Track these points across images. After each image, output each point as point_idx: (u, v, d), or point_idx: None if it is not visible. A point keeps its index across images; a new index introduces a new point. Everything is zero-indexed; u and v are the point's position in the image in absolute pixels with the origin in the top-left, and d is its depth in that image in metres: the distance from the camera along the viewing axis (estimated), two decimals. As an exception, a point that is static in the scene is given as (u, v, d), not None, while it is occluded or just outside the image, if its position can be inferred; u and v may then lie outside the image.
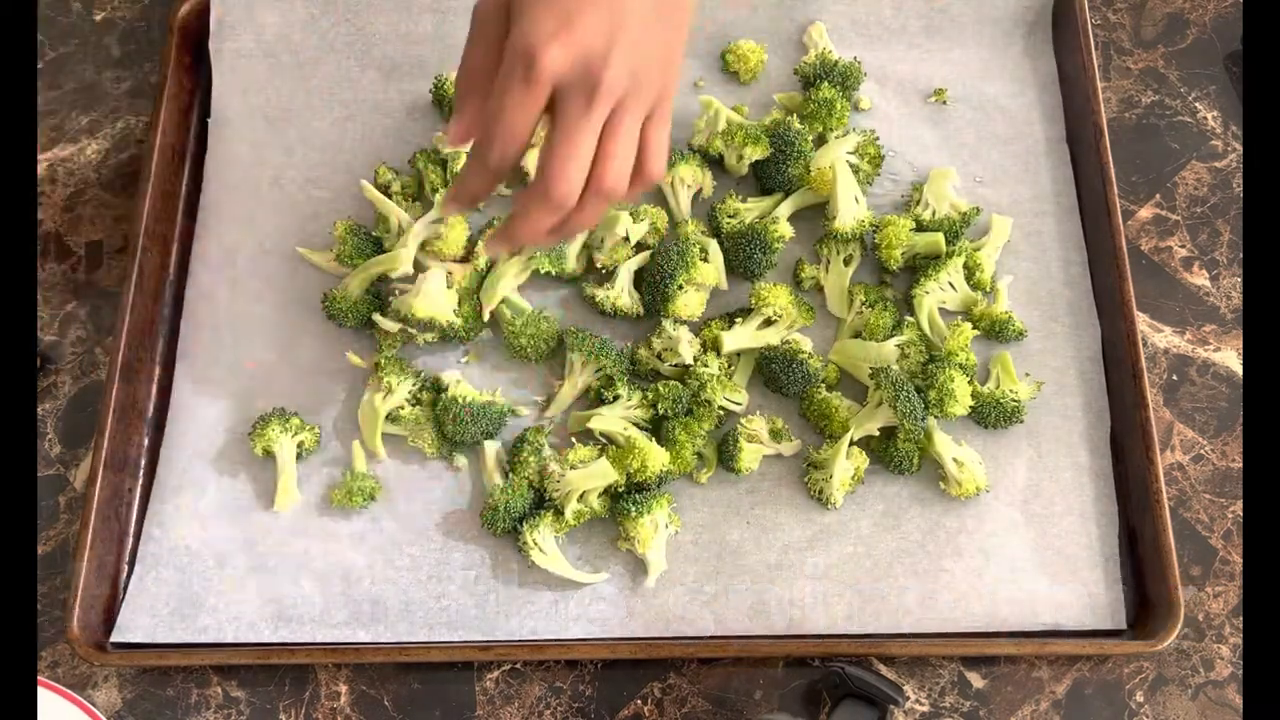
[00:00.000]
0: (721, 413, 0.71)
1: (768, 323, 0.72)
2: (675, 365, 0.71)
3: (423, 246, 0.74)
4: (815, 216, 0.76)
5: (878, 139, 0.77)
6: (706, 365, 0.71)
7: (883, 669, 0.66)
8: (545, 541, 0.66)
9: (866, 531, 0.68)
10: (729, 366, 0.72)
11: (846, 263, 0.74)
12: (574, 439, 0.71)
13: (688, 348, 0.71)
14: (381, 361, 0.71)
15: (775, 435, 0.70)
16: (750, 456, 0.69)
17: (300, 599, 0.67)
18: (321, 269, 0.76)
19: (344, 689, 0.67)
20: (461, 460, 0.71)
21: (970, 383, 0.69)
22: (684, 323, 0.72)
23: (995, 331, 0.72)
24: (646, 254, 0.74)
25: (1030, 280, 0.75)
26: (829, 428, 0.70)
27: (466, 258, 0.75)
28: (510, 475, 0.69)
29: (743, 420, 0.70)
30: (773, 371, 0.70)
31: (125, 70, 0.85)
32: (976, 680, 0.66)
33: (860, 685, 0.63)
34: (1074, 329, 0.73)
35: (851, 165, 0.75)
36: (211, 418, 0.72)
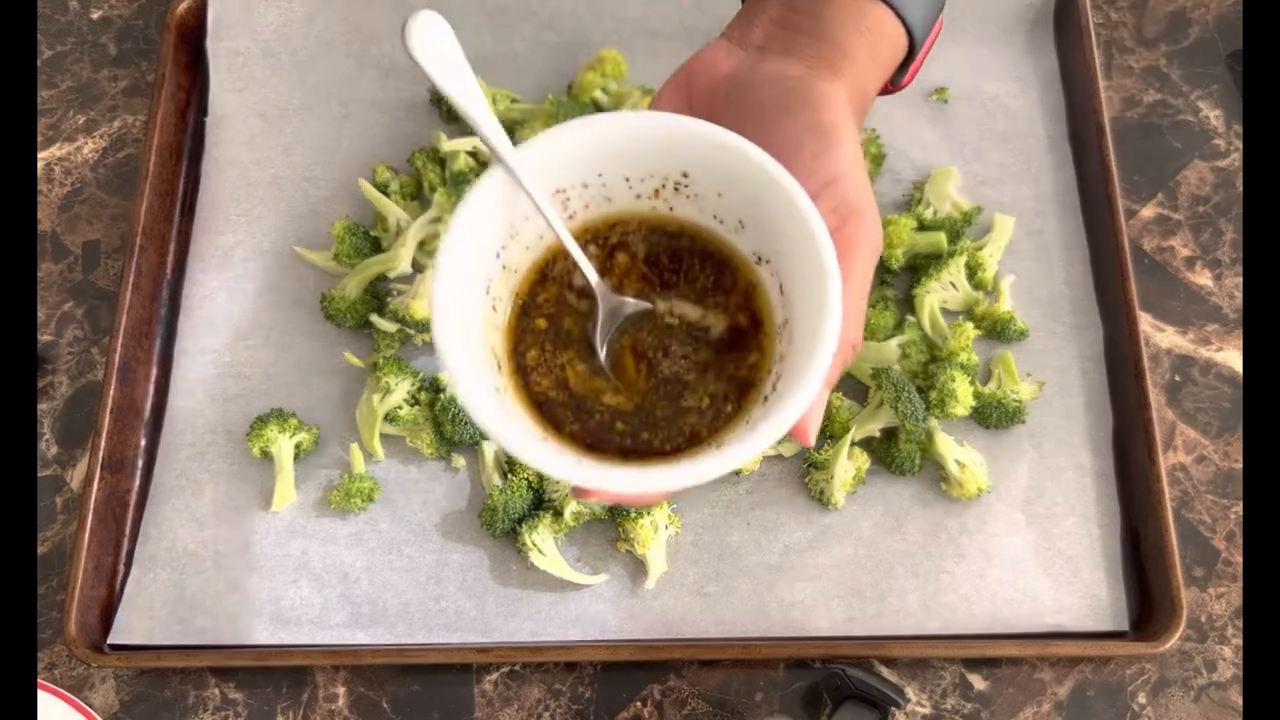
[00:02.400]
0: (722, 413, 0.70)
1: (768, 323, 0.72)
2: (675, 365, 0.71)
3: (421, 246, 0.74)
4: (816, 216, 0.76)
5: (879, 138, 0.76)
6: (706, 365, 0.70)
7: (884, 671, 0.66)
8: (544, 543, 0.66)
9: (868, 533, 0.68)
10: (729, 367, 0.71)
11: (847, 262, 0.74)
12: (573, 439, 0.71)
13: (688, 348, 0.70)
14: (380, 361, 0.71)
15: (776, 436, 0.69)
16: (750, 457, 0.68)
17: (298, 600, 0.67)
18: (320, 268, 0.76)
19: (342, 691, 0.66)
20: (460, 461, 0.70)
21: (972, 383, 0.69)
22: (684, 323, 0.72)
23: (997, 331, 0.72)
24: (646, 253, 0.73)
25: (1032, 280, 0.74)
26: (830, 428, 0.69)
27: (465, 257, 0.74)
28: (509, 476, 0.69)
29: (743, 421, 0.69)
30: (773, 372, 0.70)
31: (122, 69, 0.84)
32: (978, 682, 0.66)
33: (861, 687, 0.62)
34: (1076, 329, 0.73)
35: (852, 164, 0.75)
36: (209, 418, 0.72)
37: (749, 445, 0.43)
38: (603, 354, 0.50)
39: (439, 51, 0.47)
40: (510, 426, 0.44)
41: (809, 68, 0.51)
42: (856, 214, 0.48)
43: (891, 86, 0.56)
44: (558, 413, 0.50)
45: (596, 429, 0.49)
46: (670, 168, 0.49)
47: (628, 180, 0.50)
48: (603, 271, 0.51)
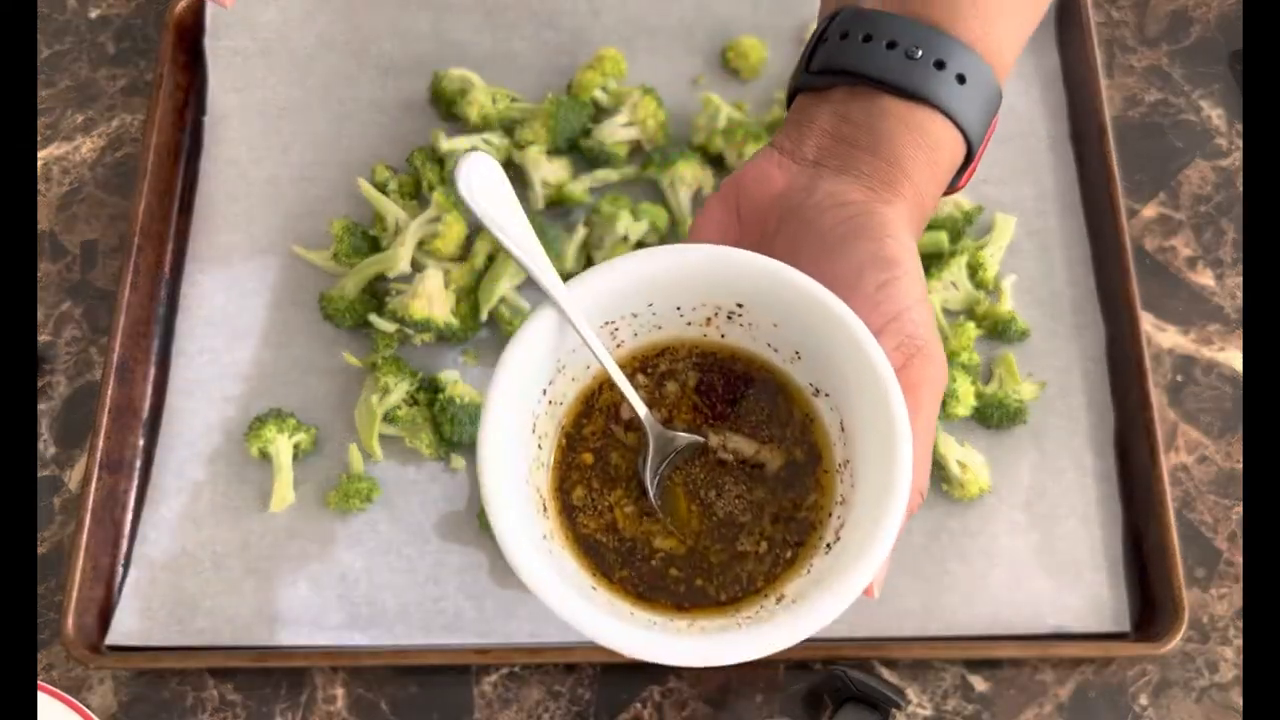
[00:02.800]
0: (722, 414, 0.70)
1: (768, 323, 0.71)
2: (675, 366, 0.70)
3: (420, 245, 0.73)
4: (816, 215, 0.76)
5: (879, 137, 0.76)
6: (707, 366, 0.70)
7: (885, 672, 0.66)
8: (544, 544, 0.66)
9: (868, 534, 0.67)
10: (729, 367, 0.71)
11: (848, 262, 0.73)
12: (573, 440, 0.70)
13: (688, 348, 0.70)
14: (378, 361, 0.70)
15: (776, 436, 0.69)
16: (751, 458, 0.68)
17: (296, 601, 0.67)
18: (318, 268, 0.75)
19: (341, 692, 0.66)
20: (459, 461, 0.70)
21: (973, 383, 0.69)
22: (684, 323, 0.72)
23: (998, 331, 0.71)
24: (646, 253, 0.73)
25: (1033, 279, 0.74)
26: (830, 429, 0.69)
27: (464, 257, 0.74)
28: (509, 476, 0.68)
29: (743, 421, 0.69)
30: (773, 372, 0.69)
31: (121, 68, 0.84)
32: (979, 684, 0.66)
33: (862, 689, 0.62)
34: (1077, 329, 0.73)
35: (853, 163, 0.74)
36: (207, 418, 0.72)
37: (817, 613, 0.41)
38: (653, 492, 0.48)
39: (489, 193, 0.46)
40: (559, 586, 0.42)
41: (868, 188, 0.48)
42: (922, 353, 0.46)
43: (947, 190, 0.53)
44: (607, 558, 0.47)
45: (649, 576, 0.47)
46: (723, 298, 0.48)
47: (679, 309, 0.49)
48: (652, 402, 0.49)
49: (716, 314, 0.49)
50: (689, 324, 0.49)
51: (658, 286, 0.47)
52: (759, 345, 0.49)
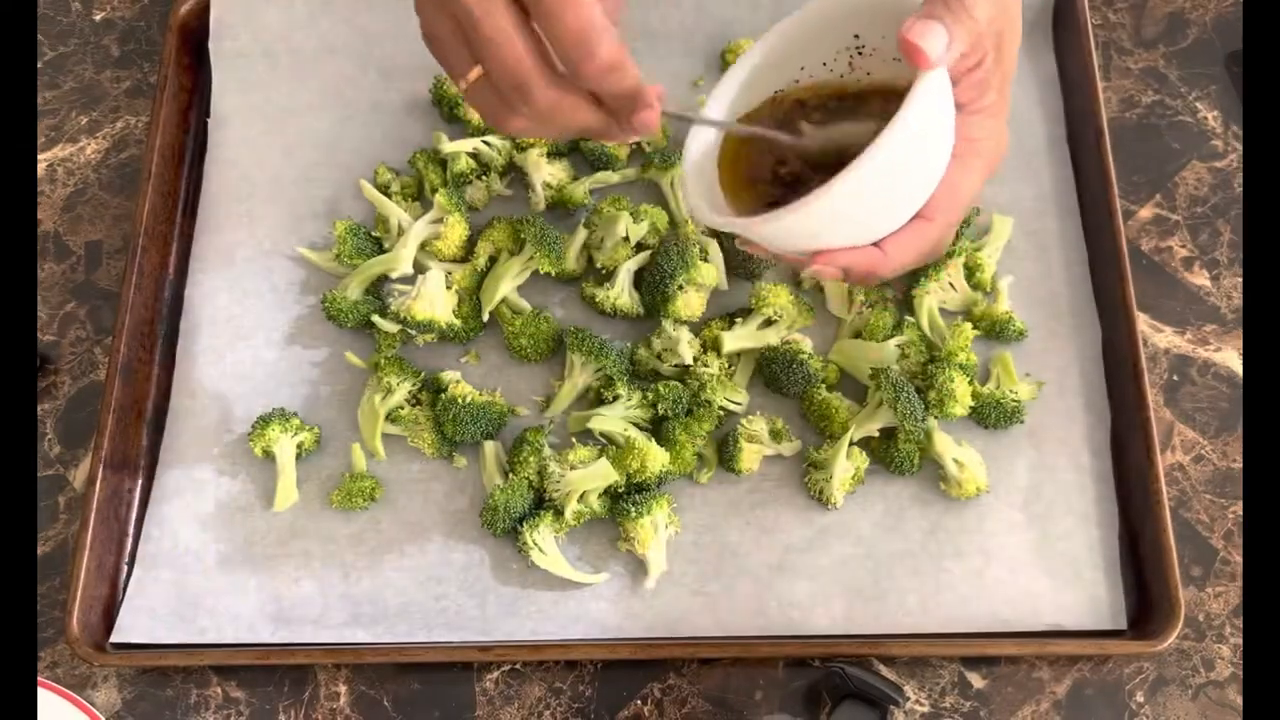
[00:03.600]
0: (722, 413, 0.70)
1: (768, 323, 0.72)
2: (675, 365, 0.71)
3: (422, 247, 0.74)
4: (815, 216, 0.77)
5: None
6: (706, 365, 0.70)
7: (883, 669, 0.66)
8: (545, 542, 0.66)
9: (867, 532, 0.68)
10: (729, 366, 0.72)
11: (847, 262, 0.74)
12: (574, 439, 0.71)
13: (688, 348, 0.70)
14: (381, 362, 0.71)
15: (775, 435, 0.70)
16: (750, 457, 0.69)
17: (300, 599, 0.67)
18: (321, 269, 0.76)
19: (343, 689, 0.67)
20: (461, 460, 0.71)
21: (970, 383, 0.69)
22: (684, 323, 0.72)
23: (996, 332, 0.72)
24: (646, 254, 0.73)
25: (1031, 280, 0.74)
26: (829, 428, 0.70)
27: (466, 258, 0.75)
28: (510, 475, 0.69)
29: (743, 420, 0.70)
30: (773, 372, 0.70)
31: (125, 70, 0.85)
32: (977, 681, 0.66)
33: (860, 686, 0.63)
34: (1075, 329, 0.73)
35: (852, 165, 0.75)
36: (211, 418, 0.72)
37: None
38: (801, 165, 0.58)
39: None
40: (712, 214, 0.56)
41: None
42: None
43: None
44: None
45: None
46: (846, 37, 0.58)
47: (825, 64, 0.59)
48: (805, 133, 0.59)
49: (850, 53, 0.59)
50: (837, 74, 0.60)
51: (807, 49, 0.59)
52: (889, 66, 0.58)
